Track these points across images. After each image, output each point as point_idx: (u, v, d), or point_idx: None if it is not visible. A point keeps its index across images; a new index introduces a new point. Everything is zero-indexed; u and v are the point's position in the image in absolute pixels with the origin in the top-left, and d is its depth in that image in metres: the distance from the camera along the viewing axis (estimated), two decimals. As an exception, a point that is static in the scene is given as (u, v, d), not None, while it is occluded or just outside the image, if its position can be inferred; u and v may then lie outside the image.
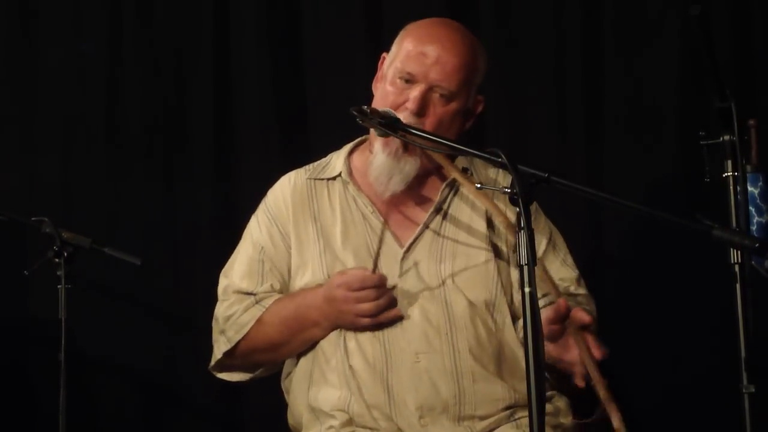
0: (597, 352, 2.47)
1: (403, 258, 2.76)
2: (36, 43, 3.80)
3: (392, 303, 2.70)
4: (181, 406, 3.71)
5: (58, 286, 3.21)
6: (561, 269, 2.81)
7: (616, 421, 2.41)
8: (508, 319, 2.75)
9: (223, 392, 3.53)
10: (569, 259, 2.86)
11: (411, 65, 2.73)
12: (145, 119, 3.77)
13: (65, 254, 3.22)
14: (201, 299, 3.52)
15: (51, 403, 3.18)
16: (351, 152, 2.90)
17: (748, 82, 3.50)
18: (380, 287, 2.68)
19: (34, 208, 3.49)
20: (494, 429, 2.68)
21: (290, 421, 2.86)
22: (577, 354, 2.50)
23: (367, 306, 2.68)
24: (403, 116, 2.67)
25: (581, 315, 2.51)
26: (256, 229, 2.88)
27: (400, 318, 2.70)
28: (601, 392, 2.42)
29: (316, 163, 2.92)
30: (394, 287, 2.71)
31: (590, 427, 2.63)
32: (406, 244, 2.77)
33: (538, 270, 2.35)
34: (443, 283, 2.74)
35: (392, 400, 2.67)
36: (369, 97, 2.82)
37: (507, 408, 2.69)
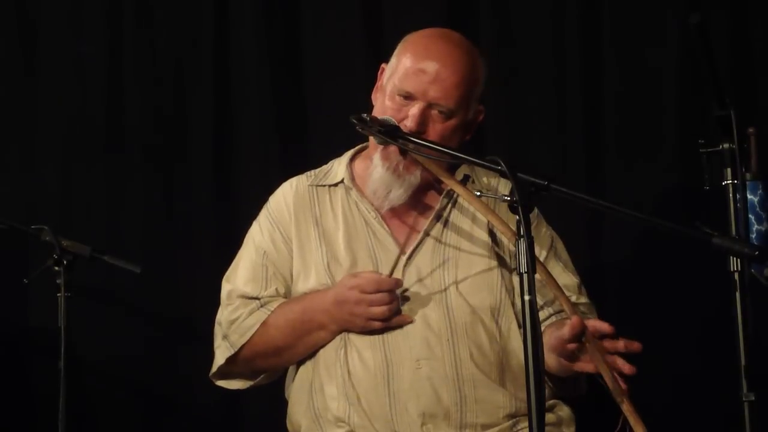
0: (627, 368, 2.43)
1: (406, 264, 2.75)
2: (35, 52, 3.80)
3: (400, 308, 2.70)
4: (180, 414, 3.70)
5: (58, 294, 3.20)
6: (562, 275, 2.80)
7: None
8: (514, 325, 2.73)
9: (223, 400, 3.53)
10: (570, 266, 2.85)
11: (409, 83, 2.70)
12: (145, 127, 3.77)
13: (65, 262, 3.21)
14: (200, 307, 3.52)
15: (51, 410, 3.17)
16: (353, 159, 2.89)
17: (748, 90, 3.50)
18: (393, 291, 2.67)
19: (33, 217, 3.48)
20: (497, 440, 2.68)
21: (289, 428, 2.85)
22: (594, 367, 2.47)
23: (380, 309, 2.67)
24: None
25: (600, 325, 2.46)
26: (258, 234, 2.87)
27: (403, 324, 2.70)
28: (624, 405, 2.38)
29: (317, 170, 2.92)
30: (404, 291, 2.71)
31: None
32: (408, 251, 2.76)
33: (541, 275, 2.34)
34: (446, 289, 2.73)
35: (394, 408, 2.66)
36: (369, 104, 2.82)
37: (509, 416, 2.68)
